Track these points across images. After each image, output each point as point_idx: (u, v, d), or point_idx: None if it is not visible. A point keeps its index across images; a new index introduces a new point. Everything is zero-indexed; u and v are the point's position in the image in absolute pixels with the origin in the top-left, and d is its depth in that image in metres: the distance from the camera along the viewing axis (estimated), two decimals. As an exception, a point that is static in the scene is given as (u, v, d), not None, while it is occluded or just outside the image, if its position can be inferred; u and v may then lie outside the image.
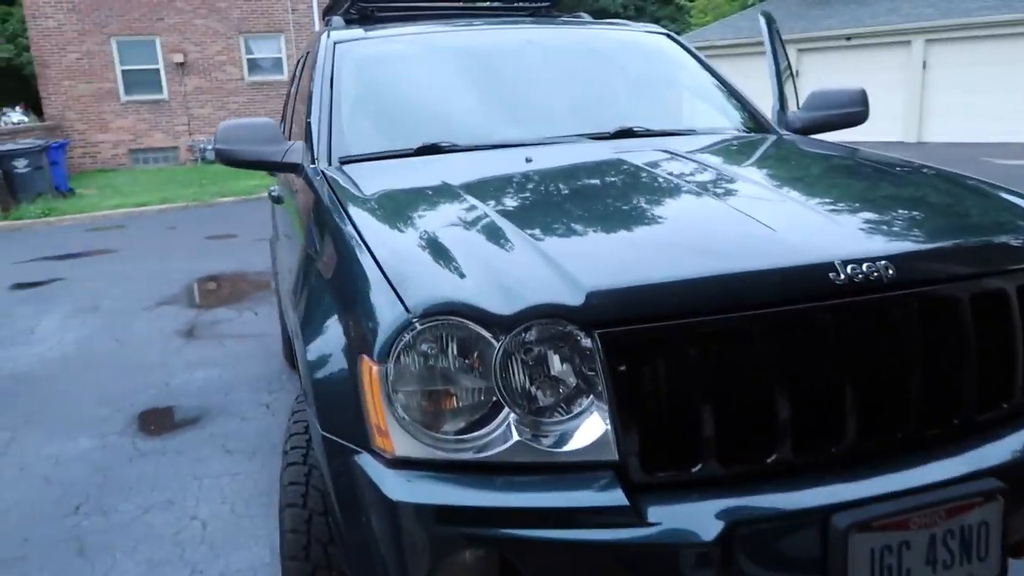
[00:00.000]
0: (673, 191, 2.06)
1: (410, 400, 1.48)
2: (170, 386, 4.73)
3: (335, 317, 1.76)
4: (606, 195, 2.15)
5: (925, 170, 2.31)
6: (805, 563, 1.45)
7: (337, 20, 3.56)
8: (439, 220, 1.92)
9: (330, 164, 2.55)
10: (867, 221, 1.82)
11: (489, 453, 1.46)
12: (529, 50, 3.18)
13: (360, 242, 1.81)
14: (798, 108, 3.22)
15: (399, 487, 1.45)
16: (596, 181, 2.29)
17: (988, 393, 1.63)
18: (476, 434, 1.48)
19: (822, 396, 1.52)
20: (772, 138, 2.85)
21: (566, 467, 1.47)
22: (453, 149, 2.60)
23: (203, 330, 5.94)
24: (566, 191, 2.19)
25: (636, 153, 2.39)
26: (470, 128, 2.77)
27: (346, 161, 2.55)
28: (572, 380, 1.48)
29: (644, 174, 2.20)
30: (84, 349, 5.62)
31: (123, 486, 3.48)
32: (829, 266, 1.52)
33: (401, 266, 1.64)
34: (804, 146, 2.72)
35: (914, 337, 1.55)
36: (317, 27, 17.59)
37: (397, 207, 2.08)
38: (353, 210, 2.02)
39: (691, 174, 2.18)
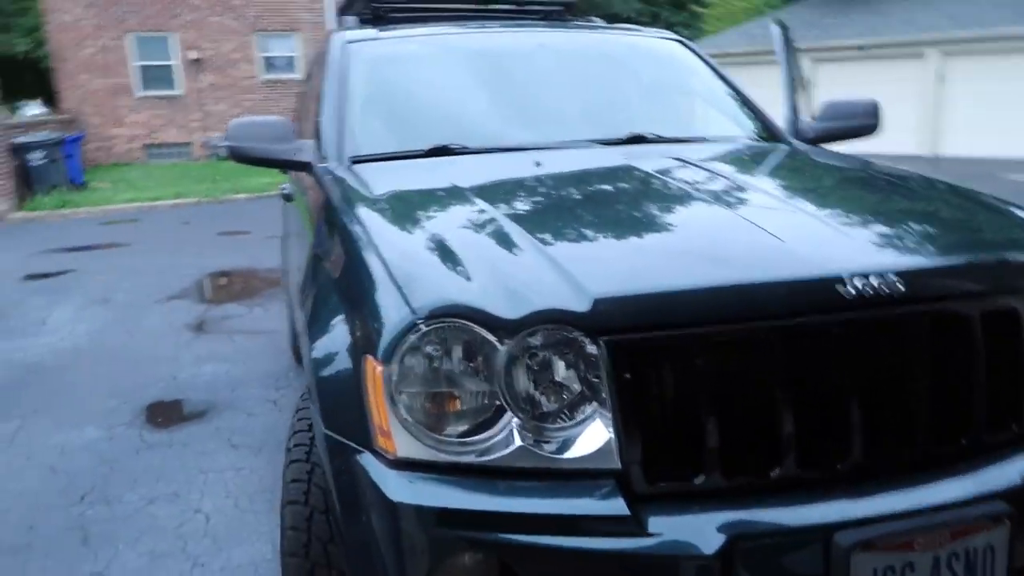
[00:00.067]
0: (683, 199, 2.06)
1: (413, 401, 1.48)
2: (178, 380, 4.75)
3: (341, 316, 1.76)
4: (615, 201, 2.14)
5: (938, 184, 2.29)
6: None
7: (351, 20, 3.57)
8: (447, 222, 1.92)
9: (340, 163, 2.56)
10: (878, 234, 1.80)
11: (491, 457, 1.46)
12: (541, 54, 3.18)
13: (368, 242, 1.81)
14: (812, 118, 3.21)
15: (400, 488, 1.45)
16: (606, 187, 2.29)
17: (997, 413, 1.60)
18: (478, 437, 1.47)
19: (828, 411, 1.50)
20: (784, 148, 2.84)
21: (568, 474, 1.46)
22: (463, 151, 2.60)
23: (213, 325, 5.96)
24: (575, 196, 2.19)
25: (647, 160, 2.38)
26: (481, 131, 2.78)
27: (356, 161, 2.56)
28: (576, 386, 1.48)
29: (654, 181, 2.20)
30: (94, 341, 5.66)
31: (128, 477, 3.50)
32: (838, 279, 1.50)
33: (408, 267, 1.64)
34: (816, 157, 2.71)
35: (923, 354, 1.54)
36: (332, 26, 17.64)
37: (406, 208, 2.08)
38: (362, 210, 2.02)
39: (701, 182, 2.17)
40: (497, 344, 1.45)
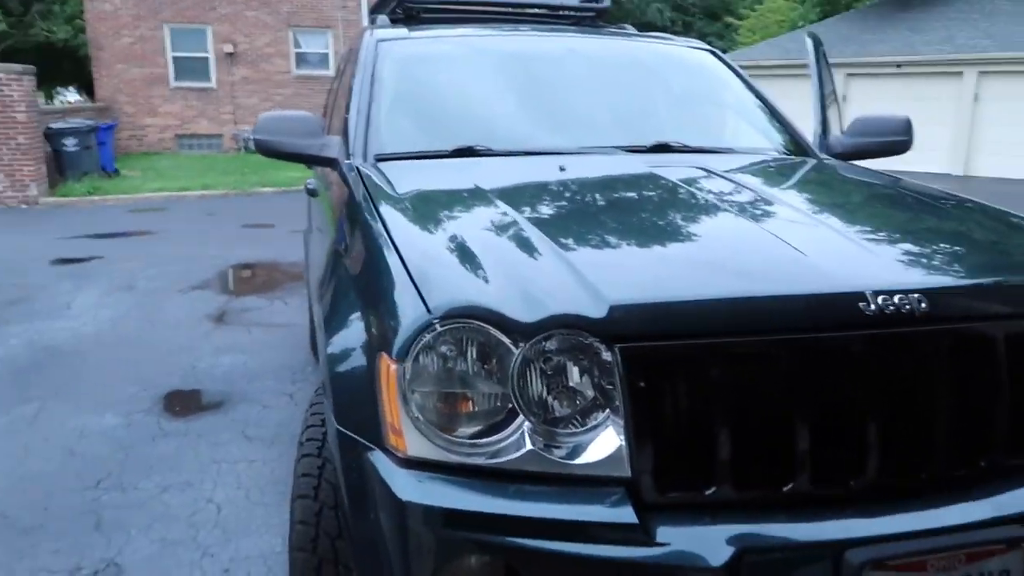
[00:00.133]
0: (705, 209, 2.05)
1: (426, 401, 1.48)
2: (197, 369, 4.79)
3: (359, 313, 1.77)
4: (636, 209, 2.13)
5: (968, 204, 2.25)
6: None
7: (383, 19, 3.59)
8: (468, 223, 1.92)
9: (365, 161, 2.57)
10: (902, 252, 1.78)
11: (501, 460, 1.46)
12: (570, 59, 3.18)
13: (388, 240, 1.82)
14: (841, 133, 3.17)
15: (409, 487, 1.45)
16: (628, 194, 2.28)
17: (1018, 437, 1.58)
18: (489, 440, 1.47)
19: (844, 427, 1.49)
20: (811, 162, 2.82)
21: (577, 480, 1.45)
22: (488, 153, 2.60)
23: (233, 316, 6.01)
24: (597, 202, 2.18)
25: (671, 168, 2.37)
26: (506, 133, 2.78)
27: (381, 159, 2.57)
28: (589, 392, 1.47)
29: (677, 190, 2.18)
30: (117, 327, 5.72)
31: (144, 464, 3.53)
32: (859, 295, 1.49)
33: (426, 267, 1.64)
34: (843, 172, 2.68)
35: (944, 374, 1.51)
36: (365, 24, 17.75)
37: (427, 208, 2.08)
38: (384, 208, 2.03)
39: (725, 193, 2.16)
40: (512, 347, 1.45)
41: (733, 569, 1.37)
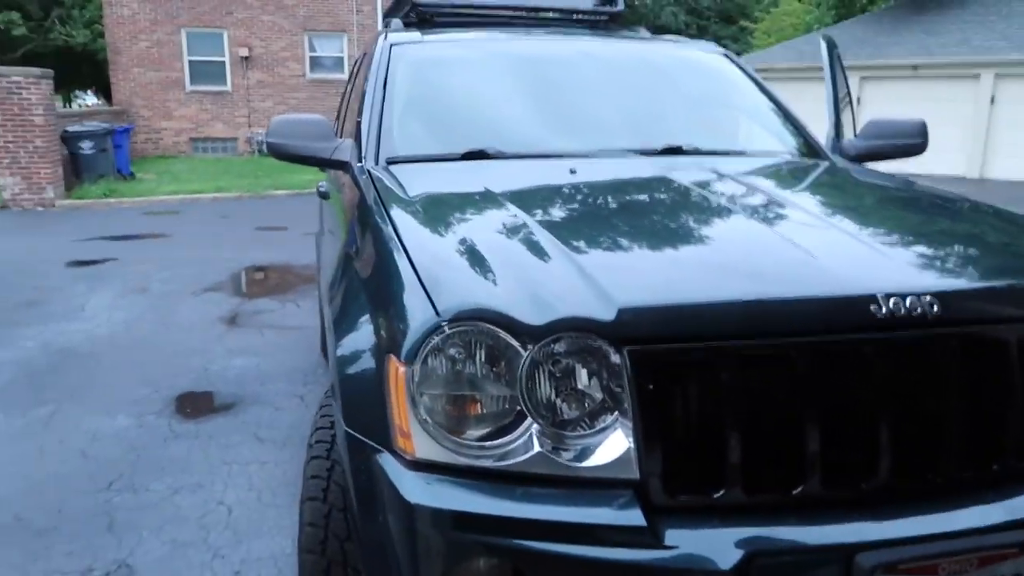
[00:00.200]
0: (715, 212, 2.04)
1: (434, 403, 1.48)
2: (209, 371, 4.82)
3: (368, 315, 1.77)
4: (647, 212, 2.13)
5: (982, 207, 2.24)
6: None
7: (396, 22, 3.60)
8: (478, 226, 1.92)
9: (377, 164, 2.57)
10: (915, 255, 1.77)
11: (509, 462, 1.45)
12: (583, 62, 3.18)
13: (398, 243, 1.82)
14: (855, 135, 3.16)
15: (417, 489, 1.45)
16: (638, 197, 2.27)
17: None
18: (497, 442, 1.47)
19: (855, 430, 1.48)
20: (824, 164, 2.80)
21: (586, 482, 1.45)
22: (499, 156, 2.60)
23: (245, 319, 6.04)
24: (607, 205, 2.18)
25: (682, 171, 2.36)
26: (517, 136, 2.78)
27: (392, 161, 2.57)
28: (598, 395, 1.47)
29: (688, 193, 2.18)
30: (130, 329, 5.76)
31: (155, 466, 3.55)
32: (871, 298, 1.48)
33: (435, 269, 1.64)
34: (856, 175, 2.66)
35: (956, 377, 1.50)
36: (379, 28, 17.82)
37: (438, 211, 2.09)
38: (394, 211, 2.03)
39: (736, 196, 2.15)
40: (520, 349, 1.45)
41: (742, 572, 1.36)
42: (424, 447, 1.47)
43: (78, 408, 4.24)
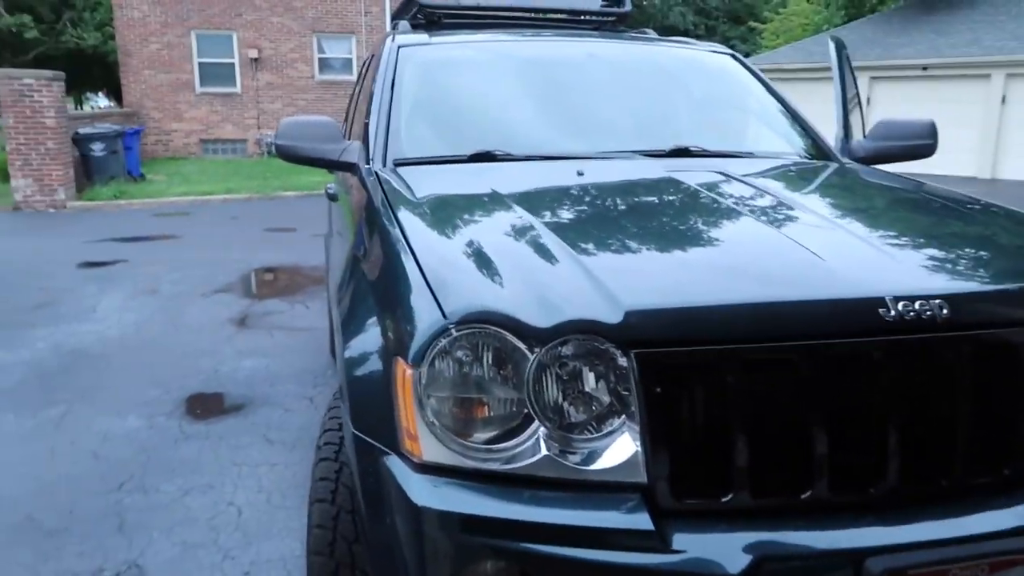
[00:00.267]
0: (722, 214, 2.03)
1: (441, 406, 1.48)
2: (219, 373, 4.84)
3: (376, 318, 1.78)
4: (654, 214, 2.12)
5: (993, 208, 2.22)
6: None
7: (404, 24, 3.60)
8: (485, 229, 1.92)
9: (384, 165, 2.58)
10: (924, 257, 1.76)
11: (516, 465, 1.45)
12: (590, 64, 3.17)
13: (405, 245, 1.82)
14: (864, 137, 3.14)
15: (424, 492, 1.45)
16: (646, 199, 2.27)
17: None
18: (505, 445, 1.47)
19: (864, 434, 1.47)
20: (833, 166, 2.79)
21: (593, 486, 1.45)
22: (506, 158, 2.60)
23: (255, 320, 6.06)
24: (614, 207, 2.17)
25: (689, 173, 2.36)
26: (525, 138, 2.77)
27: (400, 163, 2.58)
28: (605, 398, 1.46)
29: (694, 195, 2.17)
30: (141, 330, 5.79)
31: (166, 467, 3.56)
32: (879, 301, 1.47)
33: (443, 272, 1.64)
34: (865, 176, 2.65)
35: (966, 381, 1.49)
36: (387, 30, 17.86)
37: (445, 213, 2.09)
38: (402, 213, 2.03)
39: (743, 198, 2.14)
40: (527, 352, 1.45)
41: (750, 577, 1.35)
42: (431, 450, 1.47)
43: (89, 409, 4.26)
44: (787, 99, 3.24)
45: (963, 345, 1.49)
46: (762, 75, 3.35)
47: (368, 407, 1.65)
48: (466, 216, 2.06)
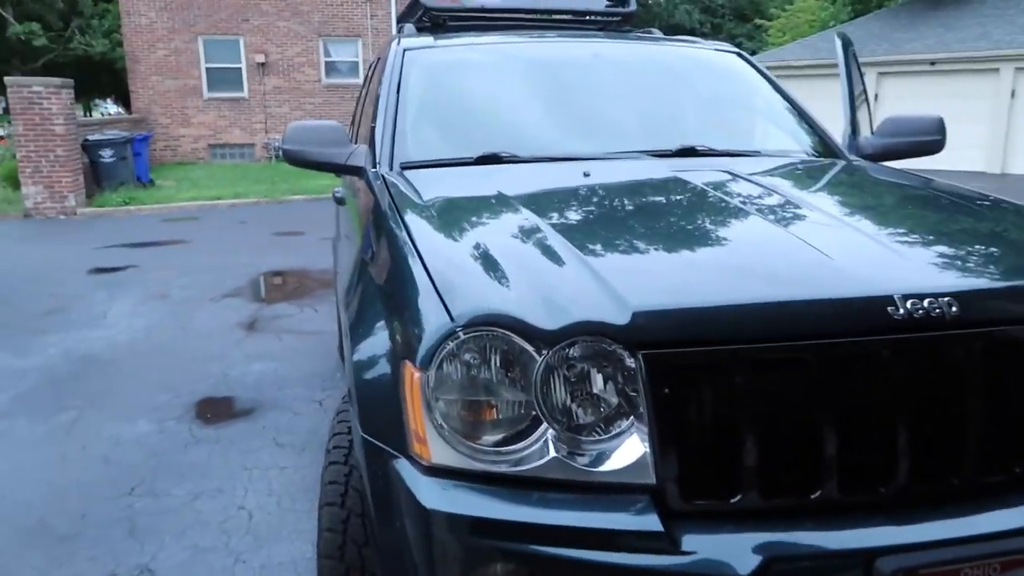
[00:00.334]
0: (729, 213, 2.02)
1: (450, 408, 1.48)
2: (228, 377, 4.85)
3: (383, 321, 1.78)
4: (661, 214, 2.12)
5: (1003, 204, 2.20)
6: None
7: (409, 28, 3.60)
8: (492, 231, 1.92)
9: (391, 169, 2.58)
10: (933, 254, 1.75)
11: (525, 467, 1.45)
12: (596, 64, 3.17)
13: (412, 248, 1.82)
14: (871, 133, 3.13)
15: (433, 495, 1.45)
16: (652, 199, 2.27)
17: None
18: (513, 447, 1.47)
19: (874, 433, 1.46)
20: (840, 163, 2.78)
21: (602, 487, 1.45)
22: (513, 160, 2.60)
23: (264, 324, 6.08)
24: (621, 208, 2.17)
25: (696, 172, 2.35)
26: (531, 140, 2.78)
27: (407, 167, 2.58)
28: (613, 400, 1.46)
29: (701, 194, 2.17)
30: (151, 335, 5.81)
31: (176, 471, 3.58)
32: (888, 299, 1.46)
33: (450, 275, 1.65)
34: (873, 173, 2.64)
35: (976, 379, 1.48)
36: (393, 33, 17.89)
37: (452, 216, 2.09)
38: (409, 216, 2.04)
39: (751, 197, 2.13)
40: (535, 354, 1.45)
41: (761, 578, 1.35)
42: (440, 452, 1.48)
43: (100, 414, 4.28)
44: (794, 96, 3.23)
45: (973, 343, 1.48)
46: (768, 73, 3.34)
47: (377, 410, 1.66)
48: (473, 219, 2.06)
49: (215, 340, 5.63)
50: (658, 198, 2.26)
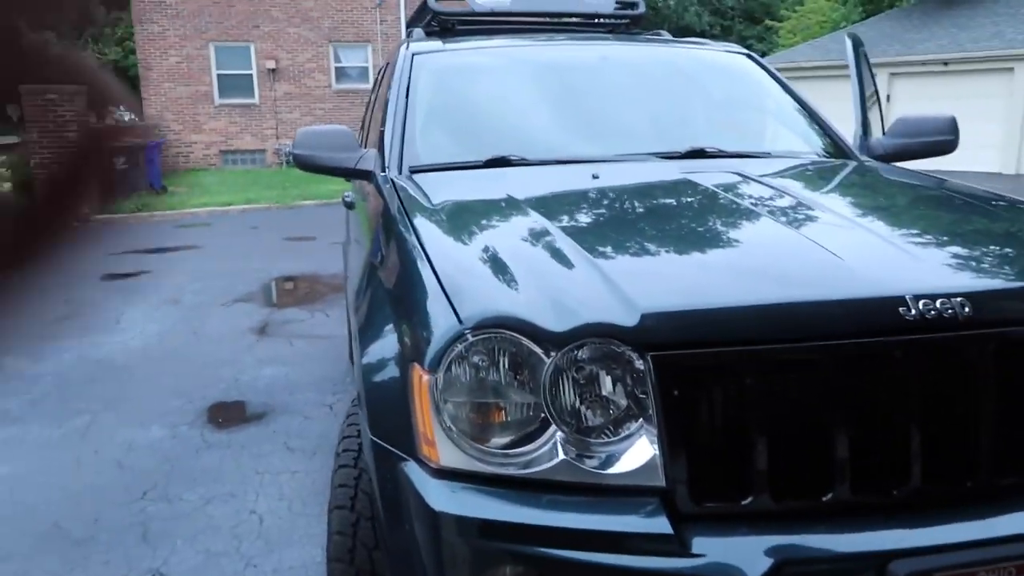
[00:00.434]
0: (739, 215, 2.02)
1: (458, 411, 1.48)
2: (239, 382, 4.87)
3: (392, 324, 1.78)
4: (670, 216, 2.11)
5: (1018, 205, 2.18)
6: None
7: (418, 32, 3.61)
8: (500, 234, 1.92)
9: (400, 173, 2.59)
10: (945, 255, 1.74)
11: (534, 470, 1.45)
12: (604, 67, 3.17)
13: (421, 252, 1.83)
14: (883, 134, 3.11)
15: (442, 497, 1.45)
16: (661, 201, 2.26)
17: None
18: (522, 450, 1.46)
19: (886, 435, 1.45)
20: (851, 164, 2.76)
21: (611, 490, 1.44)
22: (521, 163, 2.60)
23: (275, 328, 6.09)
24: (630, 210, 2.17)
25: (705, 174, 2.35)
26: (539, 143, 2.78)
27: (416, 170, 2.58)
28: (622, 402, 1.46)
29: (711, 196, 2.16)
30: (164, 341, 5.84)
31: (188, 476, 3.59)
32: (899, 300, 1.45)
33: (458, 278, 1.65)
34: (885, 174, 2.62)
35: (990, 380, 1.47)
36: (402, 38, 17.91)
37: (461, 219, 2.09)
38: (418, 220, 2.04)
39: (760, 198, 2.12)
40: (543, 356, 1.44)
41: (772, 581, 1.34)
42: (449, 455, 1.47)
43: (113, 419, 4.30)
44: (804, 97, 3.22)
45: (986, 344, 1.46)
46: (778, 74, 3.32)
47: (386, 413, 1.66)
48: (481, 222, 2.06)
49: (227, 345, 5.65)
50: (667, 200, 2.26)
